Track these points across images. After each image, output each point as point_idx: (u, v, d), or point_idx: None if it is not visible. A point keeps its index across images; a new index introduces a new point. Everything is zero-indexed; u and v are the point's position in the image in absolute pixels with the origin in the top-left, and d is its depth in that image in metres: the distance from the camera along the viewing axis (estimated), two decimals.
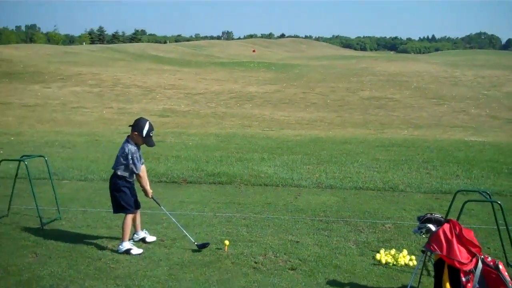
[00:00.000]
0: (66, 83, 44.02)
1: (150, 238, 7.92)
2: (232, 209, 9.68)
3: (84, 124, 25.55)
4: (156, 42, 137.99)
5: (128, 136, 7.57)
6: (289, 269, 6.86)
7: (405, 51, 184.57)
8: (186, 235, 7.76)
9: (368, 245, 7.84)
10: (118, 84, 43.83)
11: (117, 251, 7.40)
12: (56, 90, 40.22)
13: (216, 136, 20.59)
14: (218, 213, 9.39)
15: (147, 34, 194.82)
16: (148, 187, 7.73)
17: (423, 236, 6.12)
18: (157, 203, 8.01)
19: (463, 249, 5.74)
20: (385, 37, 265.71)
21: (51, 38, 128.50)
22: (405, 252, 7.28)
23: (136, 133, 7.48)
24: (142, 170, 7.66)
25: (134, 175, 7.61)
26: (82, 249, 7.53)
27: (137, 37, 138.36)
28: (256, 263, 7.06)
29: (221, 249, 7.53)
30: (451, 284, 5.74)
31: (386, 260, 7.19)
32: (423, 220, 6.14)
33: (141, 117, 7.75)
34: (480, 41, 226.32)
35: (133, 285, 6.32)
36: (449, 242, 5.75)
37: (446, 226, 5.88)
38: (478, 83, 49.91)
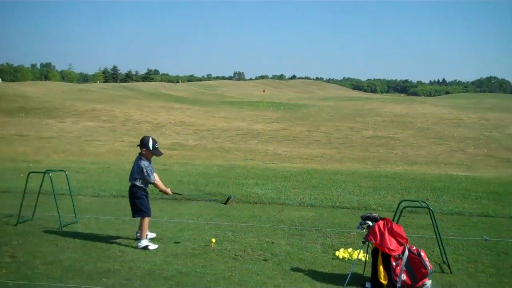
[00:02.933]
0: (80, 118, 46.16)
1: (151, 235, 9.64)
2: (222, 219, 11.44)
3: (97, 154, 27.42)
4: (169, 81, 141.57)
5: (140, 154, 9.35)
6: (262, 260, 8.54)
7: (415, 94, 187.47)
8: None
9: (332, 246, 9.50)
10: (130, 120, 45.92)
11: (136, 247, 9.07)
12: (70, 125, 42.32)
13: (219, 166, 22.32)
14: (209, 222, 11.12)
15: (160, 73, 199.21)
16: (165, 188, 9.53)
17: (364, 230, 7.79)
18: (179, 194, 10.38)
19: (393, 240, 7.41)
20: (396, 79, 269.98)
21: (65, 76, 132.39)
22: (361, 251, 8.89)
23: (144, 149, 9.29)
24: (156, 178, 9.41)
25: (149, 185, 9.39)
26: (94, 243, 9.29)
27: (150, 76, 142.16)
28: (236, 255, 8.76)
29: (208, 245, 9.21)
30: (384, 267, 7.39)
31: (343, 256, 8.84)
32: (364, 218, 7.84)
33: (144, 136, 9.57)
34: (491, 85, 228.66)
35: (135, 266, 8.01)
36: (382, 234, 7.43)
37: (381, 222, 7.57)
38: (481, 124, 51.33)
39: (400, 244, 7.42)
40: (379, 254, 7.45)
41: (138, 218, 9.38)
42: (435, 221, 8.35)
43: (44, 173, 10.55)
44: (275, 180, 17.10)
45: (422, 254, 7.39)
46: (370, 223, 7.69)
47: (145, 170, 9.19)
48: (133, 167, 9.39)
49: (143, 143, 9.36)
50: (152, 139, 9.41)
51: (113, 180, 16.39)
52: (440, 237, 8.40)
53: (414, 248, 7.50)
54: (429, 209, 8.35)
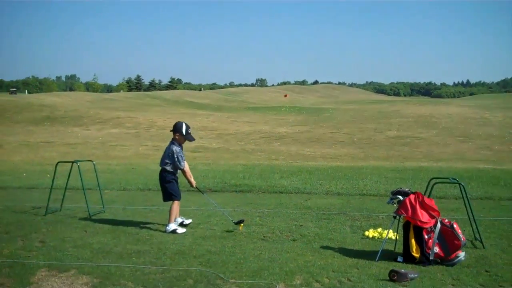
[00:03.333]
0: (104, 125, 46.65)
1: (187, 221, 9.64)
2: (248, 207, 11.42)
3: (122, 158, 27.63)
4: (192, 90, 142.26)
5: (172, 139, 9.37)
6: (291, 240, 8.49)
7: (439, 96, 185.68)
8: (224, 214, 9.88)
9: (361, 227, 9.41)
10: (153, 126, 46.28)
11: (164, 231, 9.10)
12: (95, 132, 42.79)
13: (243, 165, 22.29)
14: (236, 209, 11.08)
15: (183, 82, 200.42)
16: (192, 179, 9.52)
17: (395, 205, 7.67)
18: (200, 191, 10.14)
19: (424, 213, 7.30)
20: (419, 82, 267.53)
21: (90, 87, 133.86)
22: (390, 230, 8.77)
23: (177, 134, 9.31)
24: (186, 166, 9.42)
25: (179, 171, 9.38)
26: (123, 228, 9.35)
27: (173, 85, 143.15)
28: (264, 237, 8.72)
29: (236, 229, 9.18)
30: (416, 241, 7.28)
31: (373, 235, 8.73)
32: (395, 192, 7.73)
33: (177, 121, 9.58)
34: None
35: (164, 247, 8.00)
36: (413, 207, 7.32)
37: (412, 196, 7.46)
38: (507, 123, 50.66)
39: (432, 217, 7.30)
40: (411, 228, 7.34)
41: (168, 204, 9.40)
42: (466, 196, 8.20)
43: (72, 162, 10.66)
44: (300, 174, 17.04)
45: (455, 226, 7.26)
46: (400, 197, 7.58)
47: (175, 155, 9.21)
48: (164, 152, 9.42)
49: (176, 128, 9.37)
50: (186, 124, 9.43)
51: (138, 178, 16.49)
52: (471, 211, 8.24)
53: (447, 220, 7.38)
54: (459, 184, 8.21)
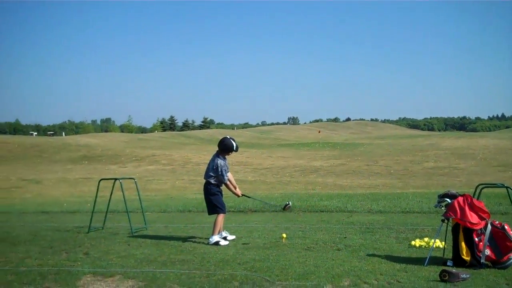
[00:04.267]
0: (141, 163, 47.17)
1: (231, 237, 9.56)
2: (290, 223, 11.29)
3: (160, 190, 27.81)
4: (224, 129, 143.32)
5: (217, 152, 9.39)
6: (335, 250, 8.34)
7: (474, 130, 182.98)
8: (268, 204, 10.06)
9: (406, 239, 9.20)
10: (189, 162, 46.62)
11: (207, 243, 9.08)
12: (132, 169, 43.25)
13: (280, 194, 22.20)
14: (278, 225, 10.99)
15: (216, 123, 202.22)
16: (237, 190, 9.49)
17: (443, 208, 7.50)
18: (248, 197, 10.13)
19: (474, 214, 7.11)
20: (453, 117, 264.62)
21: (125, 129, 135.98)
22: (438, 240, 8.55)
23: (224, 152, 9.34)
24: (230, 177, 9.41)
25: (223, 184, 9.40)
26: (166, 242, 9.35)
27: (206, 124, 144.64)
28: (308, 247, 8.60)
29: (279, 241, 9.08)
30: (466, 244, 7.07)
31: (420, 244, 8.53)
32: (442, 195, 7.56)
33: (225, 137, 9.56)
34: None
35: (207, 256, 7.95)
36: (462, 209, 7.14)
37: (460, 198, 7.29)
38: None
39: (482, 218, 7.10)
40: (460, 230, 7.14)
41: (210, 219, 9.38)
42: None
43: (115, 179, 10.77)
44: (339, 198, 16.85)
45: (506, 227, 7.04)
46: (448, 200, 7.41)
47: (220, 169, 9.23)
48: (208, 165, 9.44)
49: (226, 146, 9.38)
50: (231, 138, 9.47)
51: (177, 203, 16.52)
52: None
53: (497, 222, 7.16)
54: (508, 188, 8.01)
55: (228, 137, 9.59)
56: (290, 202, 9.78)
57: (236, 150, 9.44)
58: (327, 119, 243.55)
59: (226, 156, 9.50)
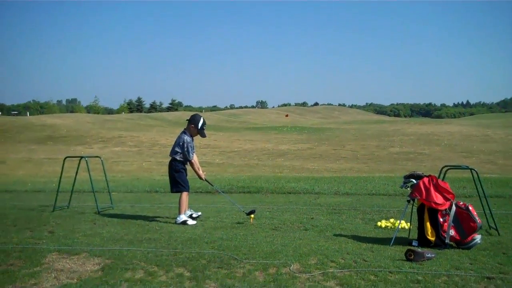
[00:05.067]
0: (107, 144, 46.60)
1: (196, 214, 9.55)
2: (258, 204, 11.34)
3: (126, 171, 27.53)
4: (192, 111, 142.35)
5: (185, 129, 9.34)
6: (303, 230, 8.41)
7: (439, 117, 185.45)
8: (235, 204, 9.91)
9: (372, 220, 9.33)
10: (156, 144, 46.25)
11: (174, 223, 9.07)
12: (97, 150, 42.69)
13: (248, 177, 22.21)
14: (245, 206, 10.98)
15: (184, 105, 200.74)
16: (200, 172, 9.46)
17: (408, 189, 7.60)
18: (210, 183, 9.96)
19: (439, 195, 7.22)
20: (419, 103, 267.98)
21: (91, 110, 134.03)
22: (403, 222, 8.67)
23: (192, 125, 9.32)
24: (194, 158, 9.35)
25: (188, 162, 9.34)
26: (132, 220, 9.31)
27: (174, 107, 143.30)
28: (275, 227, 8.66)
29: (247, 221, 9.12)
30: (431, 224, 7.18)
31: (385, 225, 8.65)
32: (408, 176, 7.66)
33: (196, 113, 9.58)
34: None
35: (174, 235, 7.92)
36: (427, 189, 7.24)
37: (426, 179, 7.39)
38: (509, 140, 50.62)
39: (447, 199, 7.21)
40: (425, 211, 7.25)
41: (176, 201, 9.33)
42: (480, 181, 8.14)
43: (81, 158, 10.63)
44: (307, 180, 16.95)
45: (470, 208, 7.17)
46: (414, 180, 7.50)
47: (185, 145, 9.17)
48: (175, 141, 9.40)
49: (194, 120, 9.36)
50: (203, 119, 9.44)
51: (143, 184, 16.42)
52: (485, 196, 8.19)
53: (462, 203, 7.29)
54: (471, 170, 8.16)
55: (200, 114, 9.58)
56: (255, 210, 9.60)
57: (200, 131, 9.34)
58: (295, 104, 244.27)
59: (194, 138, 9.44)
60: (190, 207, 9.68)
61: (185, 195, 9.22)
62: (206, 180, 9.69)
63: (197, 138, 9.62)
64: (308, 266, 6.06)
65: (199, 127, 9.29)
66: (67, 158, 11.01)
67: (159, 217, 9.76)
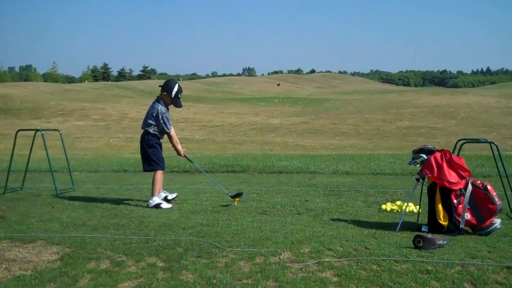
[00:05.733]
0: (68, 118, 46.36)
1: (171, 196, 9.55)
2: (243, 185, 11.39)
3: (90, 149, 27.51)
4: None
5: (158, 97, 9.28)
6: (295, 214, 8.46)
7: (455, 86, 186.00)
8: (218, 185, 9.87)
9: (376, 202, 9.40)
10: (125, 118, 46.09)
11: (146, 206, 9.08)
12: (57, 124, 42.39)
13: (233, 155, 22.23)
14: (228, 187, 11.00)
15: (158, 73, 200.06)
16: (179, 146, 9.45)
17: (417, 166, 7.63)
18: (189, 160, 9.99)
19: (453, 172, 7.24)
20: (432, 71, 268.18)
21: (49, 78, 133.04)
22: (411, 204, 8.72)
23: (165, 93, 9.26)
24: (172, 131, 9.33)
25: (164, 135, 9.29)
26: (97, 204, 9.30)
27: (146, 75, 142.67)
28: (264, 211, 8.71)
29: (230, 204, 9.13)
30: (443, 206, 7.21)
31: (391, 208, 8.71)
32: (417, 151, 7.68)
33: (170, 79, 9.52)
34: None
35: (146, 221, 7.92)
36: (439, 166, 7.26)
37: (437, 154, 7.41)
38: None
39: (462, 177, 7.23)
40: (437, 191, 7.27)
41: (149, 182, 9.34)
42: (501, 158, 8.21)
43: (36, 131, 10.57)
44: (301, 158, 17.01)
45: (489, 187, 7.19)
46: (424, 156, 7.53)
47: (161, 116, 9.11)
48: (147, 112, 9.33)
49: (168, 86, 9.29)
50: (179, 85, 9.37)
51: (111, 163, 16.38)
52: (507, 176, 8.28)
53: (479, 182, 7.33)
54: (491, 143, 8.21)
55: (175, 80, 9.53)
56: (242, 193, 9.61)
57: (175, 100, 9.29)
58: (288, 71, 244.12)
59: (168, 108, 9.40)
60: (164, 188, 9.67)
61: (159, 174, 9.21)
62: (185, 156, 9.68)
63: (172, 109, 9.57)
64: (301, 255, 6.07)
65: (172, 95, 9.23)
66: (20, 132, 10.89)
67: (128, 199, 9.74)
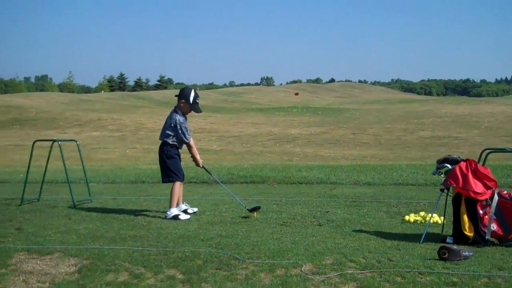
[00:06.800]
0: (84, 128, 46.71)
1: (192, 210, 9.58)
2: (262, 196, 11.47)
3: (107, 160, 27.67)
4: None
5: (175, 107, 9.34)
6: (316, 225, 8.46)
7: (478, 95, 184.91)
8: (236, 199, 9.81)
9: (399, 213, 9.38)
10: (142, 128, 46.32)
11: (164, 218, 9.12)
12: (73, 135, 42.74)
13: (251, 165, 22.23)
14: (248, 198, 11.04)
15: (174, 83, 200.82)
16: (198, 157, 9.48)
17: (442, 176, 7.60)
18: (208, 172, 10.02)
19: (478, 183, 7.21)
20: (455, 79, 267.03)
21: (65, 88, 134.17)
22: (436, 215, 8.67)
23: (183, 101, 9.32)
24: (191, 141, 9.38)
25: (183, 145, 9.36)
26: (115, 216, 9.37)
27: (162, 84, 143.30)
28: (284, 222, 8.72)
29: (250, 215, 9.13)
30: (469, 217, 7.18)
31: (415, 219, 8.68)
32: (441, 161, 7.66)
33: (185, 86, 9.57)
34: None
35: (164, 232, 7.95)
36: (464, 176, 7.24)
37: (463, 164, 7.39)
38: None
39: (488, 187, 7.20)
40: (462, 201, 7.24)
41: (167, 192, 9.39)
42: None
43: (53, 141, 10.68)
44: (322, 168, 17.00)
45: None
46: (449, 166, 7.50)
47: (179, 126, 9.15)
48: (165, 122, 9.40)
49: (183, 93, 9.36)
50: (195, 91, 9.43)
51: (127, 175, 16.44)
52: None
53: (505, 192, 7.29)
54: None
55: (190, 87, 9.60)
56: (260, 207, 9.57)
57: (193, 106, 9.34)
58: (307, 80, 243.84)
59: (187, 117, 9.44)
60: (184, 200, 9.70)
61: (178, 185, 9.24)
62: (203, 167, 9.70)
63: (190, 119, 9.61)
64: (323, 267, 6.07)
65: (191, 101, 9.29)
66: (37, 143, 10.99)
67: (146, 211, 9.79)
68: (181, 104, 9.32)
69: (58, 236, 7.80)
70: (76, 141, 11.36)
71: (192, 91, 9.42)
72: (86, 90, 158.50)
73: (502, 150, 9.07)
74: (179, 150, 9.41)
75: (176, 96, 9.47)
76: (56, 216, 9.39)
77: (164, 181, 9.48)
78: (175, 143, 9.27)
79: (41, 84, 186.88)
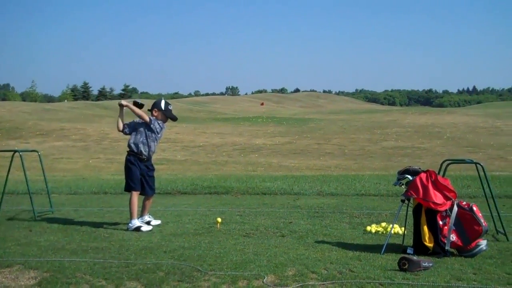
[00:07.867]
0: (46, 138, 46.13)
1: (155, 222, 9.56)
2: (226, 207, 11.46)
3: (69, 170, 27.33)
4: (149, 99, 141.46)
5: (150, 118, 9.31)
6: (279, 236, 8.49)
7: (441, 105, 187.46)
8: None
9: (361, 224, 9.47)
10: (105, 138, 45.93)
11: (126, 229, 9.09)
12: (35, 145, 42.16)
13: (216, 176, 22.22)
14: (211, 209, 11.06)
15: (139, 92, 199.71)
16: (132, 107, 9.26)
17: (403, 187, 7.70)
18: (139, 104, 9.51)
19: (438, 194, 7.32)
20: (418, 90, 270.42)
21: (27, 97, 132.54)
22: (397, 226, 8.78)
23: (155, 109, 9.35)
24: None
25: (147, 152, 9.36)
26: (76, 227, 9.29)
27: (127, 94, 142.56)
28: (247, 233, 8.74)
29: (212, 226, 9.14)
30: (429, 228, 7.28)
31: (376, 230, 8.77)
32: (402, 172, 7.76)
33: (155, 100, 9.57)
34: None
35: (127, 244, 7.90)
36: (425, 187, 7.34)
37: (423, 175, 7.50)
38: None
39: (447, 198, 7.31)
40: (423, 212, 7.34)
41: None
42: (487, 179, 8.29)
43: (14, 151, 10.56)
44: (285, 179, 17.07)
45: (475, 209, 7.27)
46: (409, 177, 7.60)
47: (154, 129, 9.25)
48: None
49: (154, 104, 9.44)
50: (165, 100, 9.46)
51: (92, 184, 16.31)
52: (493, 197, 8.36)
53: (464, 203, 7.40)
54: (477, 164, 8.29)
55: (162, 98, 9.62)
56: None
57: (167, 112, 9.41)
58: (272, 90, 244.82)
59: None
60: (149, 211, 9.66)
61: (134, 195, 9.22)
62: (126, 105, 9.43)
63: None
64: (285, 278, 6.09)
65: (163, 107, 9.33)
66: None
67: (108, 223, 9.74)
68: (155, 114, 9.31)
69: (18, 248, 7.70)
70: (37, 151, 11.27)
71: (162, 99, 9.49)
72: (49, 99, 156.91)
73: (462, 161, 9.21)
74: (138, 159, 9.31)
75: (148, 110, 9.44)
76: (17, 228, 9.28)
77: (125, 190, 9.52)
78: (134, 150, 9.25)
79: (3, 93, 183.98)
